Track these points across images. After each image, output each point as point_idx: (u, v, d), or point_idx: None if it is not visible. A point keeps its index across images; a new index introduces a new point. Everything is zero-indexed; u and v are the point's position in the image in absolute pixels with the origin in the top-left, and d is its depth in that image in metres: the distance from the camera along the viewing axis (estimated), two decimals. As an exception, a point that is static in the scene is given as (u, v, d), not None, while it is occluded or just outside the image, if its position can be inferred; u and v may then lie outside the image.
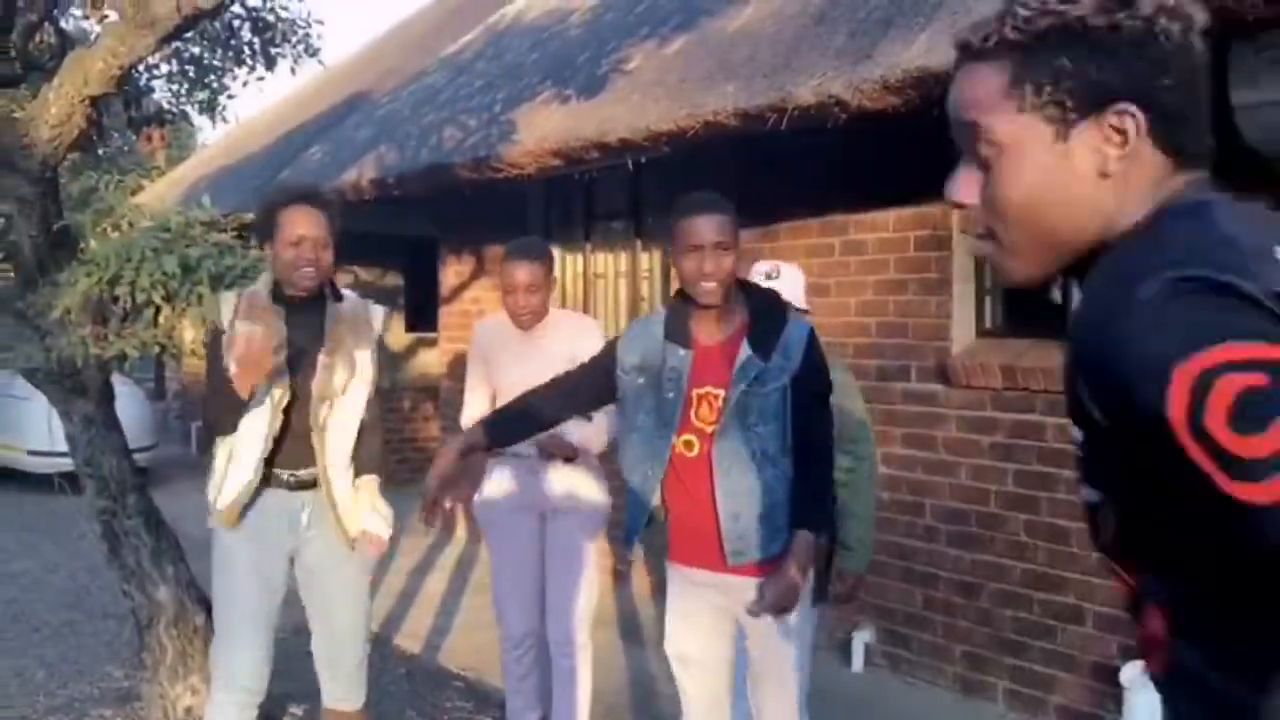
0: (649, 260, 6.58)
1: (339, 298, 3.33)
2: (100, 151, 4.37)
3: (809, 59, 4.39)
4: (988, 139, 1.11)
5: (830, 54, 4.30)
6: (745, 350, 2.68)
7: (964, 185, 1.15)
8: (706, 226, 2.66)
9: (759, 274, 3.29)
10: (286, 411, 3.18)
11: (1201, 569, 0.96)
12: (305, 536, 3.29)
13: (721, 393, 2.69)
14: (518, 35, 8.24)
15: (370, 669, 5.01)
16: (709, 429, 2.70)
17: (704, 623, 2.89)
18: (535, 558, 3.82)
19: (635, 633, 5.52)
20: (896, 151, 4.53)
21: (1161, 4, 1.05)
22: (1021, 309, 4.61)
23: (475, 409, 3.88)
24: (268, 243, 3.19)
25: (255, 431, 3.16)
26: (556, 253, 7.32)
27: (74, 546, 7.56)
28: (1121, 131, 1.06)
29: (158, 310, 3.43)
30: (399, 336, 10.23)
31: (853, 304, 4.92)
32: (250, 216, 4.61)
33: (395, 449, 9.91)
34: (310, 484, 3.26)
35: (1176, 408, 0.87)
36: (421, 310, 9.77)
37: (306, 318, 3.24)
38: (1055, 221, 1.09)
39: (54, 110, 3.36)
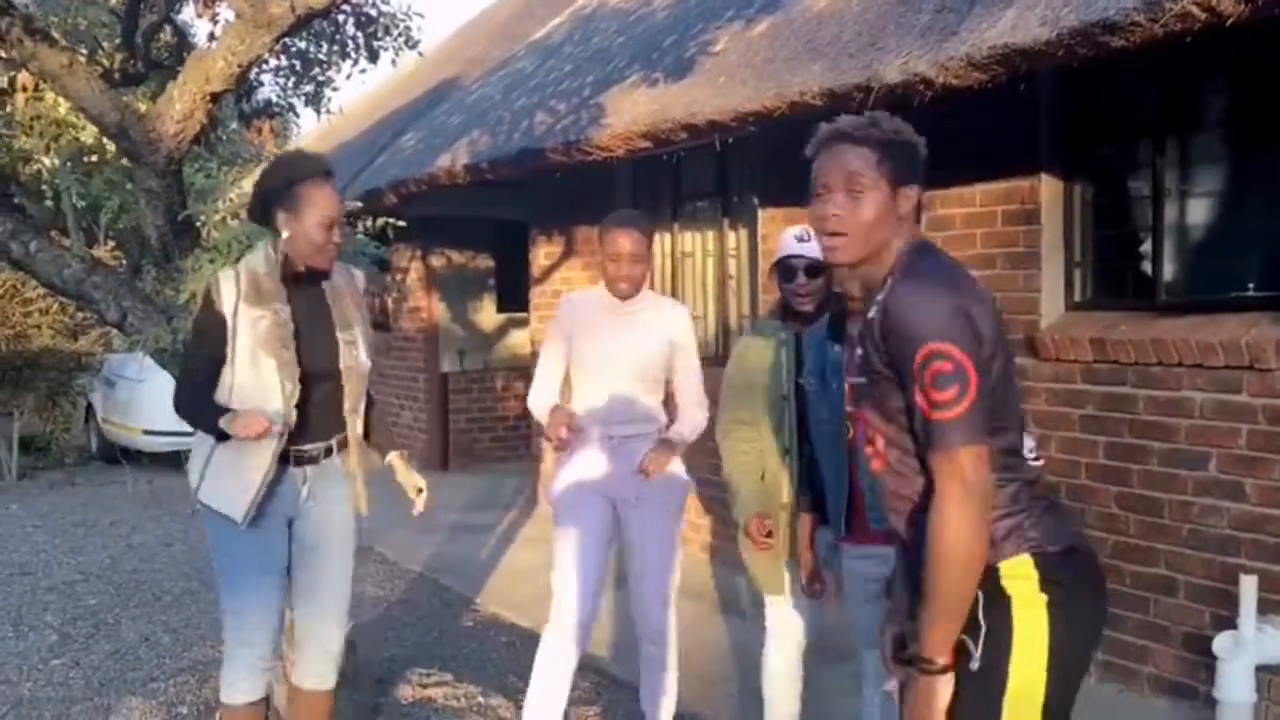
0: (735, 239, 6.67)
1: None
2: (211, 140, 4.60)
3: (894, 37, 4.43)
4: (857, 184, 2.04)
5: (915, 32, 4.34)
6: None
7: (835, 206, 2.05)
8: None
9: (791, 237, 3.38)
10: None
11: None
12: (303, 509, 3.25)
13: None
14: (604, 19, 8.37)
15: (473, 637, 5.26)
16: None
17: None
18: (606, 546, 3.71)
19: (734, 604, 5.65)
20: (982, 127, 4.56)
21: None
22: (1111, 282, 4.61)
23: (546, 384, 3.77)
24: (282, 213, 3.05)
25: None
26: (645, 233, 7.46)
27: (189, 521, 7.94)
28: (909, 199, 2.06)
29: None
30: (490, 316, 10.48)
31: (940, 279, 4.96)
32: (357, 205, 4.84)
33: (488, 428, 10.17)
34: (313, 459, 3.22)
35: (915, 364, 1.91)
36: (512, 291, 9.99)
37: (307, 294, 3.17)
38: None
39: (178, 107, 3.58)
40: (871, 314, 2.00)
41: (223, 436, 3.06)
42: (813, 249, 3.31)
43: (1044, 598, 1.96)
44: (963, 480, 1.87)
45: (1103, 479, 4.40)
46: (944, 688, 1.94)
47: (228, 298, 3.05)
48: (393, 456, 3.45)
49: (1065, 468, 4.51)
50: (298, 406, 3.11)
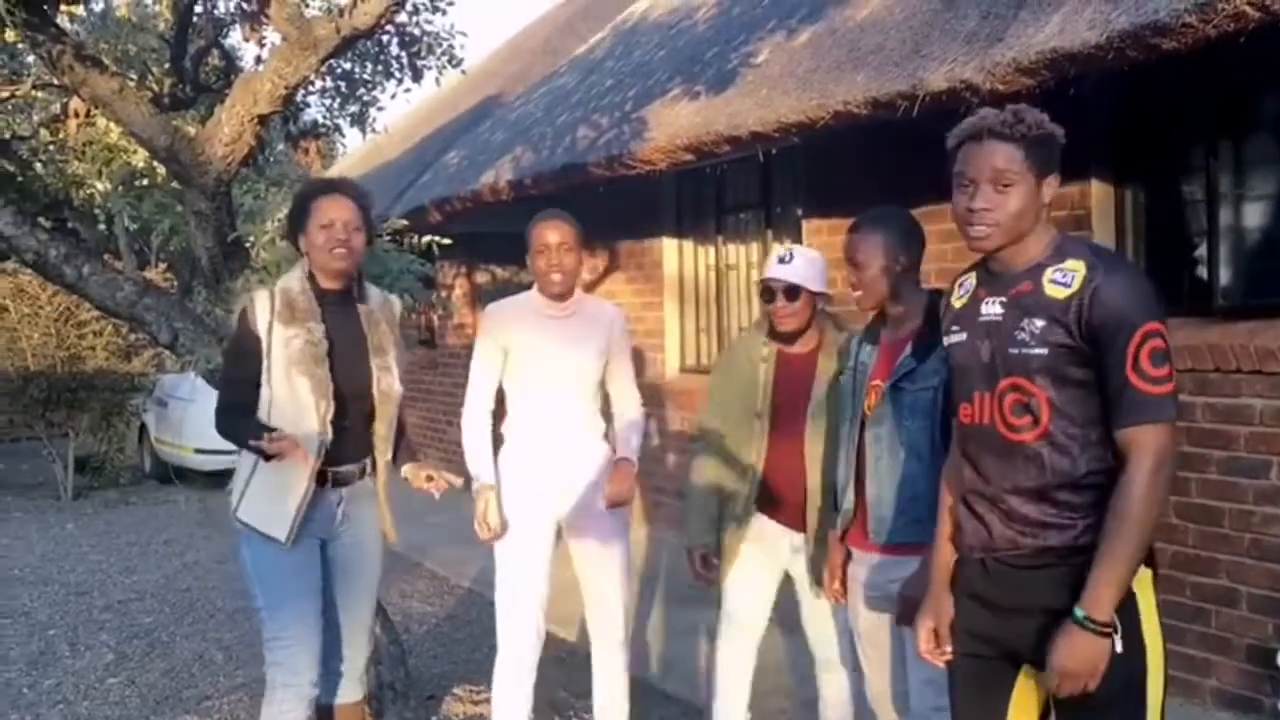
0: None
1: (364, 298, 3.30)
2: (259, 161, 4.66)
3: (939, 44, 4.39)
4: (1005, 179, 2.17)
5: (961, 38, 4.30)
6: (907, 349, 2.83)
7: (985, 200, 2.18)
8: (847, 242, 2.91)
9: (774, 259, 3.35)
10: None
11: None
12: (336, 531, 3.26)
13: (881, 385, 2.86)
14: (645, 33, 8.38)
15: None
16: (871, 417, 2.88)
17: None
18: (551, 564, 3.63)
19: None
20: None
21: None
22: (1165, 288, 4.52)
23: (480, 401, 3.63)
24: (300, 235, 3.17)
25: (305, 445, 3.06)
26: (688, 245, 7.46)
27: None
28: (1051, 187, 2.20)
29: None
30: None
31: (989, 287, 4.90)
32: (402, 222, 4.87)
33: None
34: (348, 480, 3.24)
35: (1134, 342, 2.05)
36: (557, 306, 9.98)
37: (342, 316, 3.21)
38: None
39: (226, 130, 3.62)
40: (1063, 293, 2.09)
41: (266, 455, 3.04)
42: (792, 271, 3.26)
43: (1149, 572, 2.13)
44: (1163, 450, 2.02)
45: (1160, 488, 4.31)
46: (1106, 650, 2.03)
47: (262, 317, 3.11)
48: (406, 468, 3.34)
49: (1121, 477, 4.43)
50: (332, 425, 3.12)
